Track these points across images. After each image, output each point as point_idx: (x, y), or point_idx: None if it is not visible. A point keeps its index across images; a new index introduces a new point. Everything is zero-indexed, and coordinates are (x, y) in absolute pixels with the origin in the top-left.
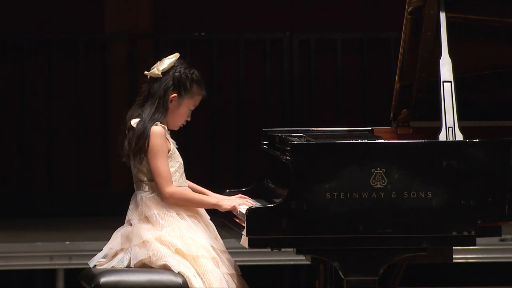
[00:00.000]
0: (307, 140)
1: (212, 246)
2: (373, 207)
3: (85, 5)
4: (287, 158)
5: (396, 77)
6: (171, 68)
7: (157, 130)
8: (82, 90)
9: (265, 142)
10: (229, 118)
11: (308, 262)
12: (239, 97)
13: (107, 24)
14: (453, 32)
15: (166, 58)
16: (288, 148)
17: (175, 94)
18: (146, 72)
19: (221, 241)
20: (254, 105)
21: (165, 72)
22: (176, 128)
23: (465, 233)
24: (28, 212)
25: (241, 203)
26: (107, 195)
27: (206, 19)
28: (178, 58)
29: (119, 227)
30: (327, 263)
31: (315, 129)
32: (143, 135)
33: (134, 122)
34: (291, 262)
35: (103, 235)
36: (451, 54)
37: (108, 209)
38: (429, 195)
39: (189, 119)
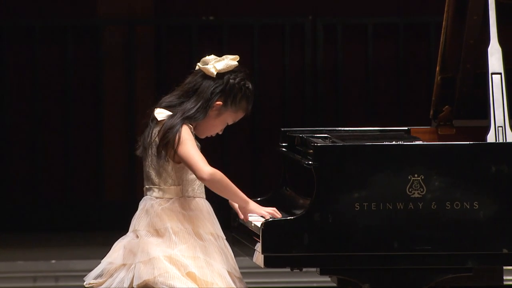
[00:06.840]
0: (332, 142)
1: (228, 272)
2: (410, 220)
3: None
4: (310, 162)
5: (437, 69)
6: (229, 72)
7: (185, 128)
8: (71, 83)
9: (284, 144)
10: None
11: (334, 284)
12: (254, 92)
13: (100, 7)
14: (503, 16)
15: (226, 57)
16: (311, 151)
17: (220, 102)
18: (199, 65)
19: (237, 266)
20: (271, 101)
21: (220, 74)
22: (202, 137)
23: None
24: (9, 226)
25: (272, 213)
26: (99, 205)
27: (215, 0)
28: (238, 62)
29: (114, 243)
30: (356, 285)
31: (342, 129)
32: (171, 131)
33: (159, 112)
34: (314, 284)
35: (96, 253)
36: (501, 41)
37: (101, 222)
38: (475, 206)
39: (220, 133)
